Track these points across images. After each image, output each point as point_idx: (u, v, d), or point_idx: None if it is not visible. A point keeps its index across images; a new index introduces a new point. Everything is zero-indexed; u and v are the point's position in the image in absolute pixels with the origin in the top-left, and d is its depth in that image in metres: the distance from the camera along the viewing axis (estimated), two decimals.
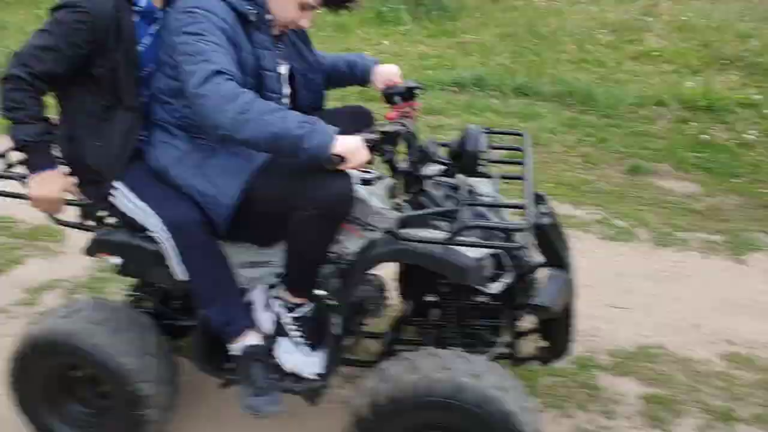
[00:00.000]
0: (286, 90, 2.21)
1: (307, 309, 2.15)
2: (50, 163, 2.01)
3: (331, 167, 1.85)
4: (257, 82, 2.01)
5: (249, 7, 1.97)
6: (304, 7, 2.04)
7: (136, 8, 2.02)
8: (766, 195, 4.14)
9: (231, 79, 1.80)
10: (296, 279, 2.13)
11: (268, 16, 2.03)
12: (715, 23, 7.14)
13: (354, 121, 2.29)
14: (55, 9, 1.96)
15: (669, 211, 3.99)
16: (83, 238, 3.49)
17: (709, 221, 3.89)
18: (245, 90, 1.81)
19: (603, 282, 3.29)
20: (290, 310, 2.15)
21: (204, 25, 1.86)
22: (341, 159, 1.83)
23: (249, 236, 2.15)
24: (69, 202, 2.13)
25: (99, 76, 1.98)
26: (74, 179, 2.09)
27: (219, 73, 1.79)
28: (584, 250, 3.51)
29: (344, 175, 1.94)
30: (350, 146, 1.84)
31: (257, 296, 2.20)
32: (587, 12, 7.79)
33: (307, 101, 2.32)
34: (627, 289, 3.26)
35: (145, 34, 2.05)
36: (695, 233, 3.76)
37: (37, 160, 1.99)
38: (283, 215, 1.98)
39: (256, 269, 2.20)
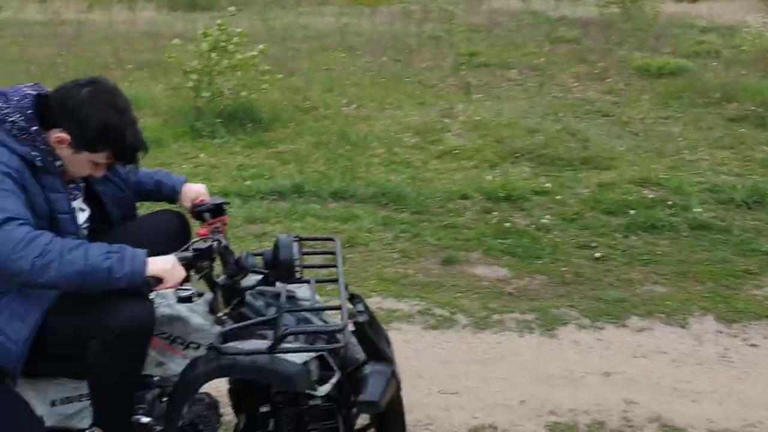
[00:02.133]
0: (84, 231, 2.15)
1: None
2: None
3: (148, 290, 1.83)
4: (51, 225, 1.94)
5: (35, 154, 1.91)
6: (97, 164, 2.04)
7: None
8: (566, 273, 4.56)
9: (24, 224, 1.74)
10: (106, 421, 2.02)
11: (57, 163, 1.99)
12: (505, 121, 7.93)
13: (168, 227, 2.30)
14: None
15: (484, 296, 4.27)
16: None
17: (520, 302, 4.20)
18: (42, 231, 1.76)
19: (431, 370, 3.43)
20: None
21: None
22: (157, 280, 1.82)
23: (56, 370, 2.03)
24: None
25: None
26: None
27: (10, 219, 1.73)
28: (410, 341, 3.66)
29: (139, 298, 1.91)
30: (164, 266, 1.84)
31: None
32: (393, 117, 8.35)
33: (119, 218, 2.30)
34: (454, 375, 3.41)
35: None
36: (509, 314, 4.04)
37: None
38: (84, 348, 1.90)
39: (72, 404, 2.08)
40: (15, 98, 1.94)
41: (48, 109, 1.96)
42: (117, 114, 1.97)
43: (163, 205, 2.56)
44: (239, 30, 7.99)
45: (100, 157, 2.00)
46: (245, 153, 7.15)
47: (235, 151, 7.22)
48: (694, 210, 5.43)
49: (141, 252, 1.81)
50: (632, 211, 5.39)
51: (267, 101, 8.50)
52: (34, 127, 1.92)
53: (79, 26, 13.43)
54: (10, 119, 1.91)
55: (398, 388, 2.20)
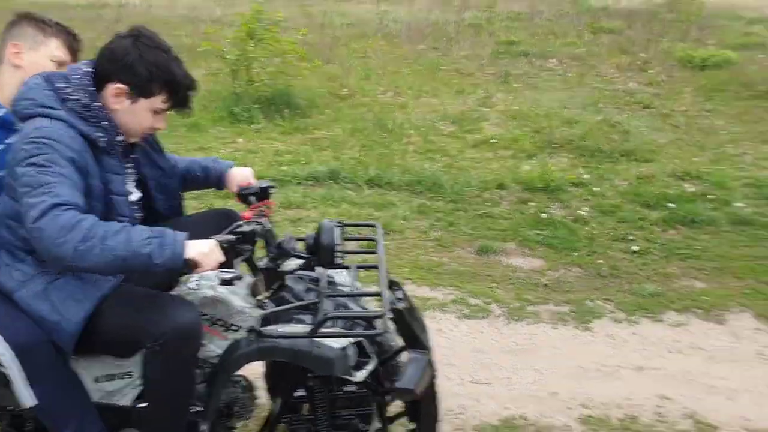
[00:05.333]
0: (138, 213, 2.20)
1: None
2: None
3: (188, 273, 1.87)
4: (107, 207, 1.98)
5: (99, 134, 1.95)
6: (157, 112, 2.07)
7: None
8: (602, 266, 4.51)
9: (70, 209, 1.76)
10: (157, 425, 2.07)
11: (118, 138, 2.03)
12: (544, 111, 7.85)
13: (220, 224, 2.32)
14: None
15: (518, 287, 4.26)
16: None
17: (554, 294, 4.18)
18: (85, 216, 1.77)
19: (463, 359, 3.44)
20: None
21: (50, 156, 1.81)
22: (196, 264, 1.85)
23: (102, 350, 2.09)
24: None
25: None
26: None
27: (57, 205, 1.74)
28: (443, 330, 3.67)
29: (187, 307, 1.95)
30: (202, 250, 1.85)
31: None
32: (429, 105, 8.32)
33: (164, 206, 2.33)
34: (486, 365, 3.42)
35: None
36: (544, 306, 4.03)
37: None
38: (132, 340, 1.95)
39: (114, 382, 2.13)
40: (75, 77, 1.99)
41: (98, 74, 2.00)
42: (163, 52, 2.02)
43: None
44: (277, 13, 8.02)
45: (158, 102, 2.03)
46: (282, 139, 7.19)
47: (273, 136, 7.26)
48: (735, 204, 5.34)
49: (181, 236, 1.83)
50: (671, 205, 5.32)
51: (304, 88, 8.54)
52: (97, 104, 1.97)
53: (120, 9, 13.59)
54: (73, 97, 1.95)
55: (434, 377, 2.21)
